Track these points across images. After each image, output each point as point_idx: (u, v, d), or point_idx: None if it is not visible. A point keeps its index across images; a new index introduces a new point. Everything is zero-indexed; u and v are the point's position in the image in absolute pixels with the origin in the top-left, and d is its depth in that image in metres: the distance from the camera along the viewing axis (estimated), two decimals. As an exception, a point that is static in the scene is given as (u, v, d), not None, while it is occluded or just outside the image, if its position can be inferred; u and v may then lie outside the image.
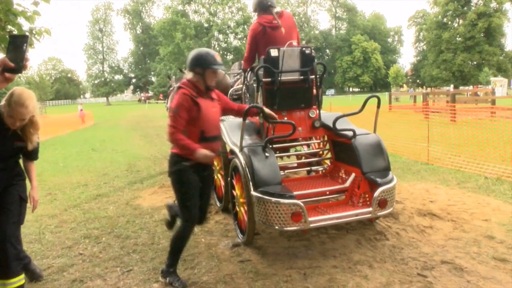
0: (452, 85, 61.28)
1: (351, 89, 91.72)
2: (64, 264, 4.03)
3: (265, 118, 4.07)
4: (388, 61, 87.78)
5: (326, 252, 3.98)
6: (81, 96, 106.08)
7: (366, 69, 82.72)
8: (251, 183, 3.82)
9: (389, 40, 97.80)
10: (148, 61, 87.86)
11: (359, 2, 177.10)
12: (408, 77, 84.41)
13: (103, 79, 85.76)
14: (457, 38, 67.93)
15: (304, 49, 4.54)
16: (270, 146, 4.22)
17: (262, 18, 4.77)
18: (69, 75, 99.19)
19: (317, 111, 4.77)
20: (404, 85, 73.27)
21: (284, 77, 4.49)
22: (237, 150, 4.18)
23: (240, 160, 4.06)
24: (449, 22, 70.35)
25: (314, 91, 4.80)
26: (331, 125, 4.48)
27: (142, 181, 7.76)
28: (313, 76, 4.65)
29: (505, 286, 3.23)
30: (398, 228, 4.51)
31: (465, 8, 67.79)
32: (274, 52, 4.43)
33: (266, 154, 3.97)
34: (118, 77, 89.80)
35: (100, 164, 10.14)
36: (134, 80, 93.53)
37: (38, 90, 47.63)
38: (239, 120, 4.72)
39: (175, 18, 74.49)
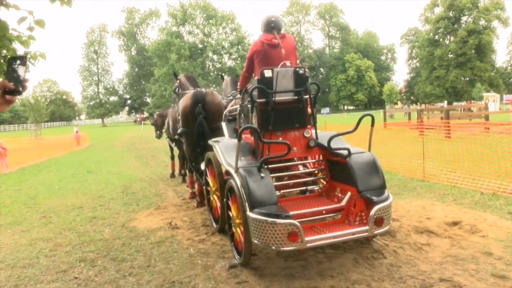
0: (445, 102, 61.88)
1: (346, 107, 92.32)
2: (59, 289, 3.98)
3: (260, 139, 4.08)
4: (382, 79, 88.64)
5: (323, 272, 3.95)
6: (76, 118, 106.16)
7: (360, 87, 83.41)
8: (247, 204, 3.80)
9: (383, 57, 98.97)
10: (143, 82, 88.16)
11: (352, 21, 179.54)
12: (402, 94, 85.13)
13: (98, 100, 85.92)
14: (449, 55, 68.98)
15: (297, 69, 4.59)
16: (265, 166, 4.22)
17: (263, 36, 4.89)
18: (64, 97, 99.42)
19: (312, 131, 4.81)
20: (399, 102, 73.90)
21: (278, 98, 4.52)
22: (232, 171, 4.18)
23: (236, 181, 4.05)
24: (441, 39, 71.51)
25: (309, 110, 4.83)
26: (326, 144, 4.50)
27: (137, 203, 7.71)
28: (307, 96, 4.69)
29: (504, 304, 3.21)
30: (395, 246, 4.49)
31: (456, 25, 69.04)
32: (268, 73, 4.47)
33: (262, 175, 3.97)
34: (113, 98, 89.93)
35: (95, 186, 10.09)
36: (129, 101, 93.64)
37: (33, 112, 47.57)
38: (234, 141, 4.75)
39: (169, 39, 75.10)
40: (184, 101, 6.70)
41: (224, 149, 4.75)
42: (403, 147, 11.01)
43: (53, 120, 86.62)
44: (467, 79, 68.80)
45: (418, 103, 76.75)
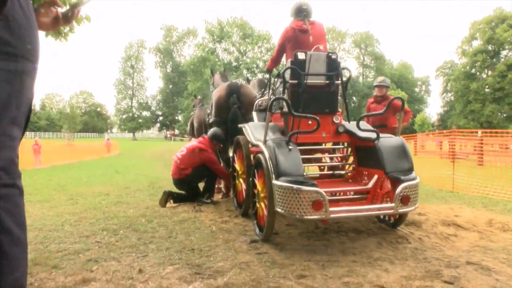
0: (480, 131, 60.43)
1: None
2: (80, 248, 4.01)
3: (290, 111, 4.07)
4: (415, 111, 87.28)
5: (345, 250, 3.87)
6: (108, 131, 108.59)
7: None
8: (273, 174, 3.79)
9: (417, 89, 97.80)
10: (176, 99, 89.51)
11: (387, 51, 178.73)
12: (435, 128, 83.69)
13: (131, 114, 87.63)
14: (485, 89, 67.50)
15: (330, 54, 4.62)
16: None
17: (294, 22, 4.96)
18: (98, 109, 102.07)
19: (342, 117, 4.80)
20: (430, 134, 72.61)
21: (310, 80, 4.55)
22: (261, 144, 4.19)
23: (264, 152, 4.05)
24: (478, 73, 70.21)
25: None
26: (355, 128, 4.47)
27: (163, 194, 7.76)
28: (339, 81, 4.71)
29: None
30: (421, 235, 4.37)
31: (494, 59, 67.73)
32: (301, 55, 4.52)
33: (290, 147, 3.96)
34: (145, 113, 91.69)
35: (123, 181, 10.24)
36: (161, 118, 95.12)
37: (68, 120, 49.04)
38: (262, 122, 4.79)
39: (205, 55, 76.23)
40: (218, 92, 6.80)
41: (254, 128, 4.80)
42: (434, 170, 10.73)
43: (85, 130, 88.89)
44: (505, 114, 67.09)
45: (451, 137, 75.19)
